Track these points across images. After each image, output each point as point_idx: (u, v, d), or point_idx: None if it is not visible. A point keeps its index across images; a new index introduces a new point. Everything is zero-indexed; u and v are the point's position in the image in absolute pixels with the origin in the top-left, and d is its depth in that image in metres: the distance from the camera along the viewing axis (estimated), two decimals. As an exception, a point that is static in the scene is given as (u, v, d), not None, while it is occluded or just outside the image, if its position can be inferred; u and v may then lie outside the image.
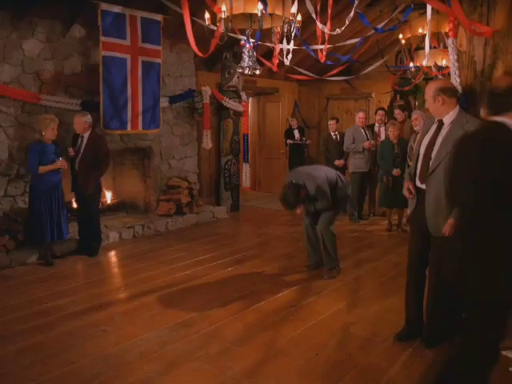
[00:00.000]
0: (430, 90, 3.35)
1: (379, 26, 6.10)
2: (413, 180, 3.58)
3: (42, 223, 5.48)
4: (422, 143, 3.52)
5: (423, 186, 3.46)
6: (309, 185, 4.97)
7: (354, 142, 7.84)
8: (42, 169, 5.43)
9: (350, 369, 3.30)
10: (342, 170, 7.91)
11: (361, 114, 7.96)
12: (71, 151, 5.80)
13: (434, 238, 3.46)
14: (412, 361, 3.41)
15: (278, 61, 5.88)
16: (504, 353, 3.47)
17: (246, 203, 9.73)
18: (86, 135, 5.86)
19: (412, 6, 6.10)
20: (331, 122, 8.45)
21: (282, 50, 5.63)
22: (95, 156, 5.83)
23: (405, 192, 3.63)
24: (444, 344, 3.61)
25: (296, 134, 9.99)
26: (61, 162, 5.56)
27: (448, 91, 3.31)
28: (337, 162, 8.08)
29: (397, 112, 7.94)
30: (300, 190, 4.92)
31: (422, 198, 3.46)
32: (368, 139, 7.86)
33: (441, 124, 3.38)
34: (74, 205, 6.47)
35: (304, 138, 10.02)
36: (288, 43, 5.52)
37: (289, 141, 10.10)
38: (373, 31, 6.15)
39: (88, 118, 5.86)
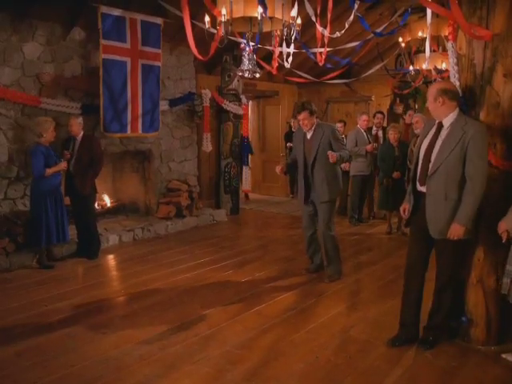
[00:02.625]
0: (433, 90, 3.37)
1: (378, 30, 6.11)
2: (412, 183, 3.57)
3: (49, 225, 5.50)
4: (421, 146, 3.52)
5: (423, 189, 3.46)
6: (326, 128, 4.99)
7: (357, 145, 7.80)
8: (49, 171, 5.44)
9: (351, 371, 3.30)
10: (346, 173, 7.89)
11: (364, 117, 7.90)
12: (67, 154, 5.80)
13: (438, 241, 3.46)
14: (412, 363, 3.41)
15: (277, 64, 5.89)
16: (504, 356, 3.48)
17: (246, 206, 9.73)
18: (79, 137, 5.90)
19: (409, 9, 6.10)
20: (339, 125, 8.40)
21: (281, 53, 5.63)
22: (90, 157, 5.87)
23: (401, 210, 3.69)
24: (444, 346, 3.62)
25: None
26: (64, 164, 5.60)
27: (450, 93, 3.32)
28: (342, 165, 8.02)
29: (410, 113, 8.09)
30: (310, 108, 4.97)
31: (423, 201, 3.46)
32: (370, 142, 7.83)
33: (440, 126, 3.39)
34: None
35: None
36: (288, 46, 5.53)
37: (289, 144, 10.09)
38: (372, 34, 6.15)
39: (81, 119, 5.94)
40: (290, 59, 5.70)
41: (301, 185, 5.16)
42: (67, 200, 6.05)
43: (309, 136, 5.02)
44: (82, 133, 5.93)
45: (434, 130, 3.44)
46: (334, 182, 5.02)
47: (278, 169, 5.13)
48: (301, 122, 4.99)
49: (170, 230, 7.45)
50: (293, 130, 10.21)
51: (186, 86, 8.11)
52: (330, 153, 4.74)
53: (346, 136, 8.24)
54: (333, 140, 4.91)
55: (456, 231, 3.28)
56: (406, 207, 3.64)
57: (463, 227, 3.26)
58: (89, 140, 5.97)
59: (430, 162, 3.39)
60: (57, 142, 5.83)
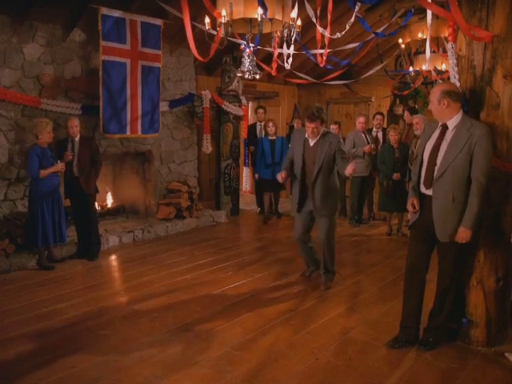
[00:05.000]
0: (437, 92, 3.34)
1: (379, 31, 6.12)
2: (417, 186, 3.55)
3: (45, 226, 5.50)
4: (425, 149, 3.48)
5: (428, 192, 3.44)
6: (332, 138, 4.74)
7: (355, 147, 7.81)
8: (43, 172, 5.43)
9: (351, 373, 3.30)
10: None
11: (361, 119, 7.92)
12: (69, 155, 5.79)
13: (441, 244, 3.45)
14: (412, 365, 3.41)
15: (276, 65, 5.90)
16: (506, 355, 3.48)
17: (246, 207, 9.72)
18: (77, 138, 5.91)
19: (412, 10, 6.11)
20: (333, 127, 8.42)
21: (281, 54, 5.64)
22: (90, 156, 5.92)
23: (408, 206, 3.58)
24: (444, 347, 3.62)
25: None
26: (61, 165, 5.59)
27: (454, 95, 3.30)
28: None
29: (406, 114, 8.02)
30: (322, 117, 4.63)
31: (428, 204, 3.43)
32: (368, 143, 7.84)
33: (445, 128, 3.37)
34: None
35: None
36: (288, 48, 5.53)
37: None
38: (372, 35, 6.16)
39: (78, 120, 5.96)
40: (290, 60, 5.71)
41: (295, 191, 4.95)
42: (67, 202, 6.05)
43: (311, 143, 4.78)
44: (79, 134, 5.95)
45: (438, 132, 3.41)
46: (335, 195, 4.90)
47: (279, 177, 4.82)
48: (309, 130, 4.67)
49: (169, 231, 7.44)
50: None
51: (186, 87, 8.11)
52: (350, 168, 4.48)
53: (343, 138, 8.24)
54: (338, 151, 4.69)
55: (464, 235, 3.27)
56: (413, 201, 3.51)
57: (471, 231, 3.26)
58: (88, 140, 6.01)
59: (435, 165, 3.36)
60: (55, 143, 5.83)
